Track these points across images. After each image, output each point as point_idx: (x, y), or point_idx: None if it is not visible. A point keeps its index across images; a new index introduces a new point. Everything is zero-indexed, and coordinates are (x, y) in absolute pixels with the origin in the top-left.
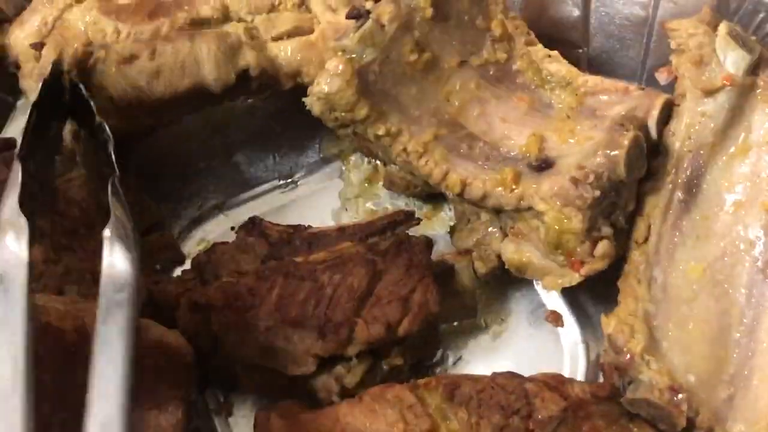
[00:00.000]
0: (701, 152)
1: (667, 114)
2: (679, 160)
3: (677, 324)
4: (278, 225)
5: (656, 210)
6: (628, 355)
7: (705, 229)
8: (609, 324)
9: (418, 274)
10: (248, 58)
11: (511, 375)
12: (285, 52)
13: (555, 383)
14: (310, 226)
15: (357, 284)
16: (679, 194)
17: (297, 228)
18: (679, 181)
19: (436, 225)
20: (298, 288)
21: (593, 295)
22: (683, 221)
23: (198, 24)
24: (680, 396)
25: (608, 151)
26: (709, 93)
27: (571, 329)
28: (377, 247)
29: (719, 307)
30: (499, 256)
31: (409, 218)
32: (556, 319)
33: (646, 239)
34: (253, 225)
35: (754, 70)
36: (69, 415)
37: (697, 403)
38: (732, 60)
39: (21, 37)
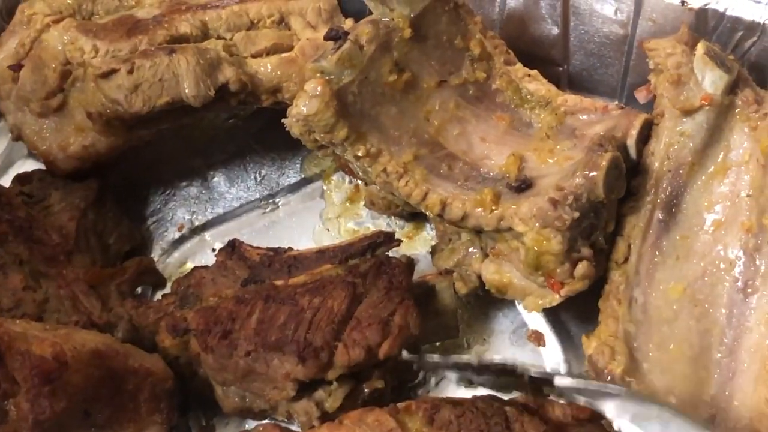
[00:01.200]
0: (680, 172)
1: (646, 133)
2: (659, 179)
3: (658, 345)
4: (258, 248)
5: (636, 230)
6: (609, 377)
7: (685, 249)
8: (590, 345)
9: (398, 296)
10: (227, 73)
11: (491, 398)
12: (264, 68)
13: (535, 406)
14: (290, 248)
15: (337, 307)
16: (658, 214)
17: (277, 251)
18: (659, 200)
19: (417, 245)
20: (278, 312)
21: (575, 315)
22: (663, 241)
23: (177, 41)
24: None
25: (587, 172)
26: (688, 113)
27: (553, 349)
28: (357, 269)
29: (700, 327)
30: (479, 277)
31: (389, 239)
32: (538, 338)
33: (626, 259)
34: (233, 248)
35: (732, 89)
36: None
37: None
38: (710, 80)
39: None
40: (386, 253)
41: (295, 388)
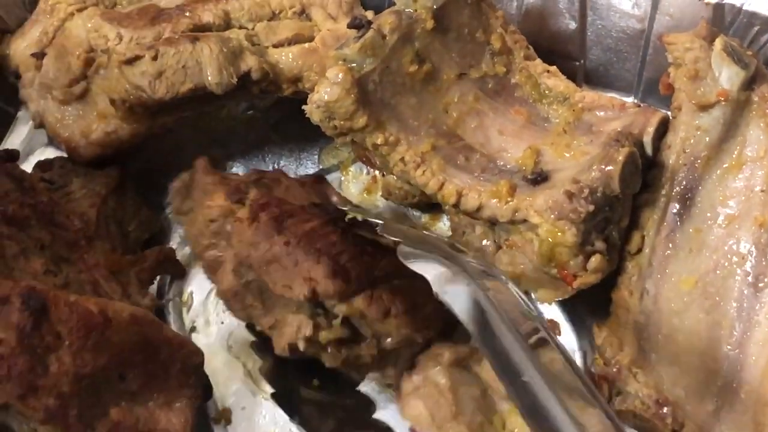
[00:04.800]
0: (696, 165)
1: (663, 131)
2: (674, 172)
3: (667, 336)
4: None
5: (650, 222)
6: (617, 367)
7: (698, 242)
8: (600, 335)
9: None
10: (250, 62)
11: None
12: (286, 58)
13: None
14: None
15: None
16: (673, 206)
17: None
18: (674, 193)
19: None
20: (333, 234)
21: (591, 304)
22: (677, 233)
23: (199, 30)
24: (666, 409)
25: (603, 166)
26: (704, 108)
27: (568, 338)
28: None
29: (710, 319)
30: None
31: None
32: (553, 327)
33: (640, 250)
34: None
35: (749, 84)
36: (91, 398)
37: (683, 415)
38: (726, 76)
39: (22, 47)
40: None
41: (306, 296)
